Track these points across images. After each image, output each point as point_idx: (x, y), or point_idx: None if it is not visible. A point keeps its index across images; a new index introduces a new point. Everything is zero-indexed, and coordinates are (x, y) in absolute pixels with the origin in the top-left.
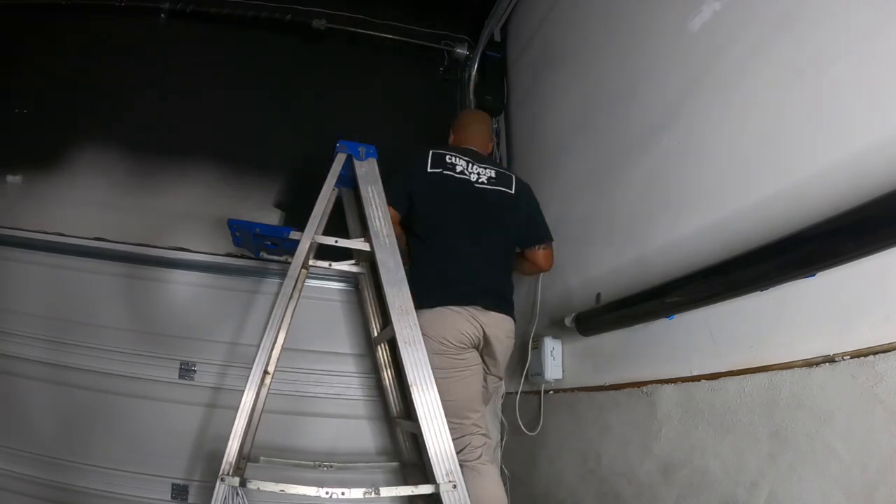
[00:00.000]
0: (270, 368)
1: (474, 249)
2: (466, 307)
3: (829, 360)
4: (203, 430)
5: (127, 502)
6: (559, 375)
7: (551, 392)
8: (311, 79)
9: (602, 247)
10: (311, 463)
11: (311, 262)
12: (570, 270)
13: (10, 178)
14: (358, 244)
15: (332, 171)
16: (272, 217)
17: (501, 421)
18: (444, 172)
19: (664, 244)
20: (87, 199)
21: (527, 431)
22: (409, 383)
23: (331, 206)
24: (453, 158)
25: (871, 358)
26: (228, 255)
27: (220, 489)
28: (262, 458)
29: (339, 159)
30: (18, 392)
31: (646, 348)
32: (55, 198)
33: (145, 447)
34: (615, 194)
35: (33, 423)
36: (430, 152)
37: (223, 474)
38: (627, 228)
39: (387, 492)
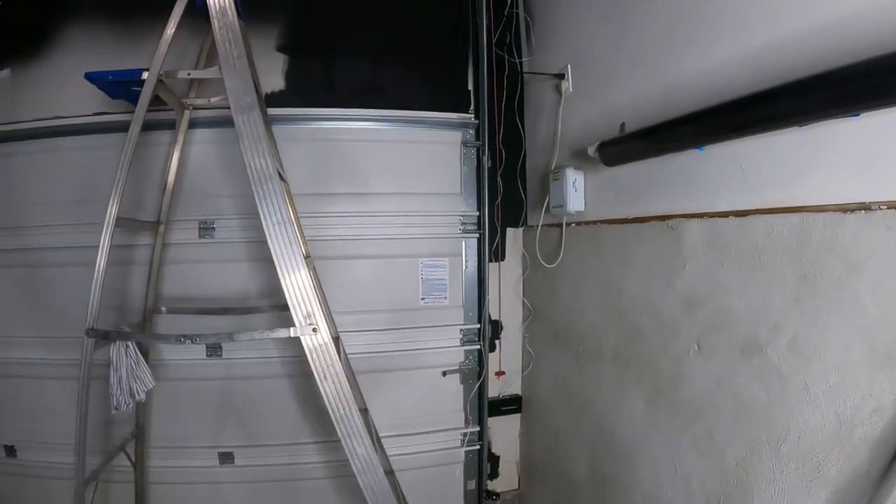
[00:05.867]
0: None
1: None
2: None
3: (865, 207)
4: None
5: None
6: (581, 207)
7: (573, 225)
8: None
9: (627, 76)
10: (218, 308)
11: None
12: (592, 100)
13: None
14: (210, 73)
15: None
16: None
17: (523, 255)
18: None
19: (695, 73)
20: (79, 77)
21: (545, 264)
22: (262, 216)
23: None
24: None
25: None
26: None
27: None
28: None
29: None
30: (51, 282)
31: (672, 181)
32: (46, 83)
33: None
34: (642, 21)
35: (69, 308)
36: None
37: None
38: (655, 56)
39: (240, 337)
